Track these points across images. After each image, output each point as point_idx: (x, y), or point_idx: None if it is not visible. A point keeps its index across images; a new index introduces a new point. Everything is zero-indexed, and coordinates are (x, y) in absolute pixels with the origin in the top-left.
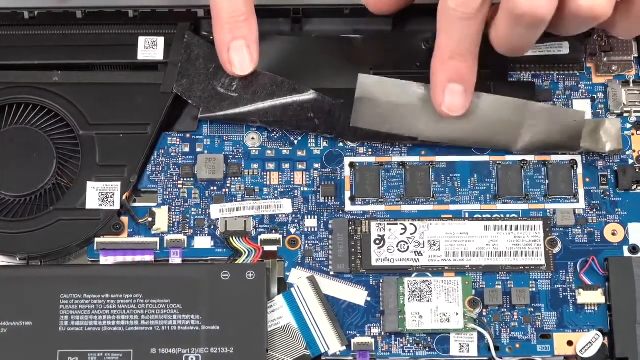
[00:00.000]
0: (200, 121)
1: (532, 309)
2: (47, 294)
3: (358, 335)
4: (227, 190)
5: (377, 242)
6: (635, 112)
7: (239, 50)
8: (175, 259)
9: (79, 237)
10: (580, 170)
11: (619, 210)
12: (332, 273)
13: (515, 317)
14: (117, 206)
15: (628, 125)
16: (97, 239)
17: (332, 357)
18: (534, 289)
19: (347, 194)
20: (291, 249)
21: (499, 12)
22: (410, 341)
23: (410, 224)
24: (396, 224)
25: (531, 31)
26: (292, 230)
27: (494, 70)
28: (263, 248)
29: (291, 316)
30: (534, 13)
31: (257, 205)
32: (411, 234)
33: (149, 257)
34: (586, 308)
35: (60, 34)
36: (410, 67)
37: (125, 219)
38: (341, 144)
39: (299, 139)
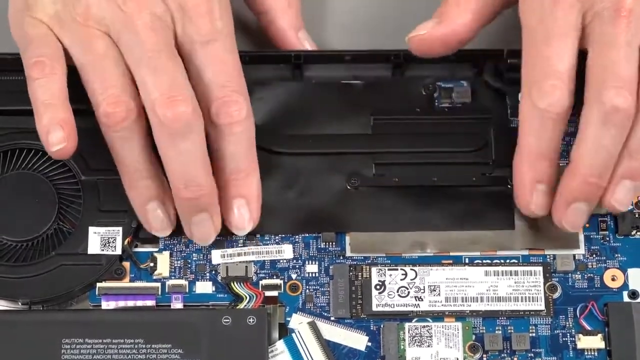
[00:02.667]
0: None
1: (532, 354)
2: (49, 338)
3: None
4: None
5: (378, 287)
6: None
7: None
8: (177, 304)
9: (81, 282)
10: None
11: (619, 255)
12: (332, 318)
13: None
14: (119, 251)
15: None
16: (99, 284)
17: None
18: (534, 334)
19: (347, 239)
20: (292, 294)
21: (586, 111)
22: None
23: (411, 269)
24: (397, 269)
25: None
26: (293, 276)
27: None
28: (264, 293)
29: None
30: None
31: (258, 250)
32: (411, 280)
33: (150, 302)
34: (586, 353)
35: None
36: (411, 112)
37: (127, 264)
38: None
39: None
